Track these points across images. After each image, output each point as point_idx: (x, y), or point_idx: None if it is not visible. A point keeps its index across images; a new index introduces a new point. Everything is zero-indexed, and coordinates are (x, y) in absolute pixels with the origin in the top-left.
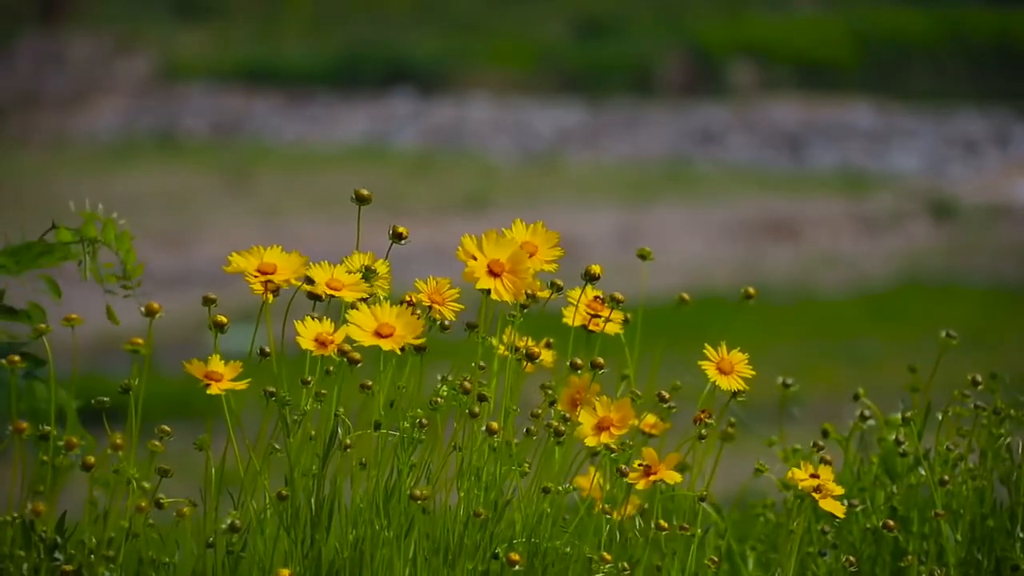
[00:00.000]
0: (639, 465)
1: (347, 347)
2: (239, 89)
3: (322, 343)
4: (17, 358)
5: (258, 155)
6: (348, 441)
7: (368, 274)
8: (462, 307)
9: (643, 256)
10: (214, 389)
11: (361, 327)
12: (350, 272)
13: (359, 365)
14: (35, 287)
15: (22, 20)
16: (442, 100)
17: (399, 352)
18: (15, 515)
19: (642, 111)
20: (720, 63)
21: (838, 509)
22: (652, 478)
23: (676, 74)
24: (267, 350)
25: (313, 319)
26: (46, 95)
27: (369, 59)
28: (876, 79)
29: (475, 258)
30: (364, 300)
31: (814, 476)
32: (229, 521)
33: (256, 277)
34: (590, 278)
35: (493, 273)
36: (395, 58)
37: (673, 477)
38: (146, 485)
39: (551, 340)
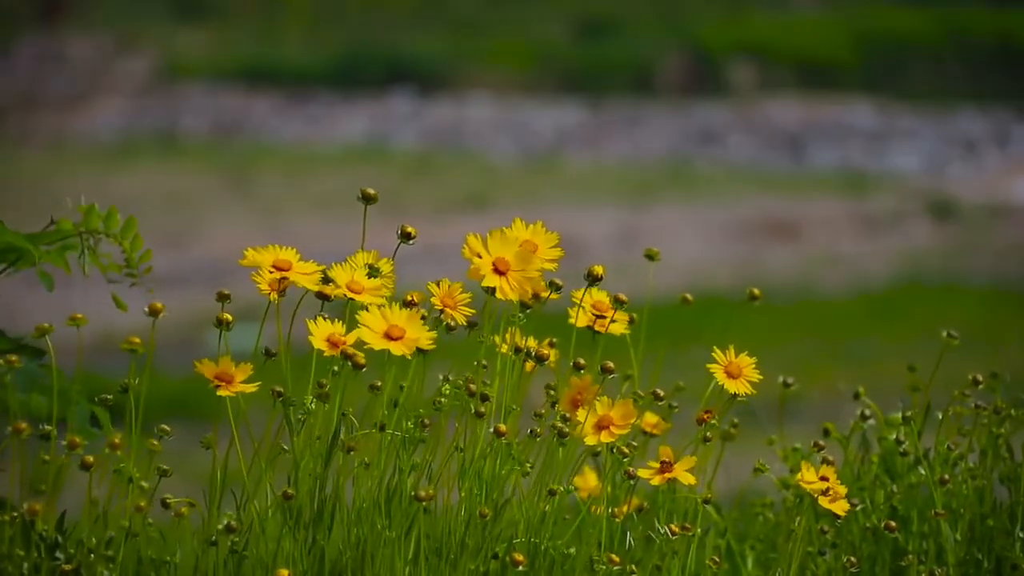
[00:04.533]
0: (658, 462)
1: (350, 350)
2: (239, 89)
3: (334, 344)
4: (15, 357)
5: (258, 155)
6: (352, 444)
7: (372, 273)
8: (473, 311)
9: (650, 257)
10: (225, 391)
11: (371, 328)
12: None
13: (363, 369)
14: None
15: (22, 20)
16: (442, 100)
17: (409, 357)
18: (14, 514)
19: (642, 111)
20: (720, 63)
21: (841, 508)
22: (668, 475)
23: (676, 74)
24: (273, 351)
25: (325, 319)
26: (46, 95)
27: (369, 59)
28: (876, 79)
29: (480, 256)
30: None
31: (823, 479)
32: (226, 522)
33: (270, 273)
34: (593, 279)
35: (498, 271)
36: (395, 58)
37: (687, 479)
38: (144, 485)
39: (554, 340)
